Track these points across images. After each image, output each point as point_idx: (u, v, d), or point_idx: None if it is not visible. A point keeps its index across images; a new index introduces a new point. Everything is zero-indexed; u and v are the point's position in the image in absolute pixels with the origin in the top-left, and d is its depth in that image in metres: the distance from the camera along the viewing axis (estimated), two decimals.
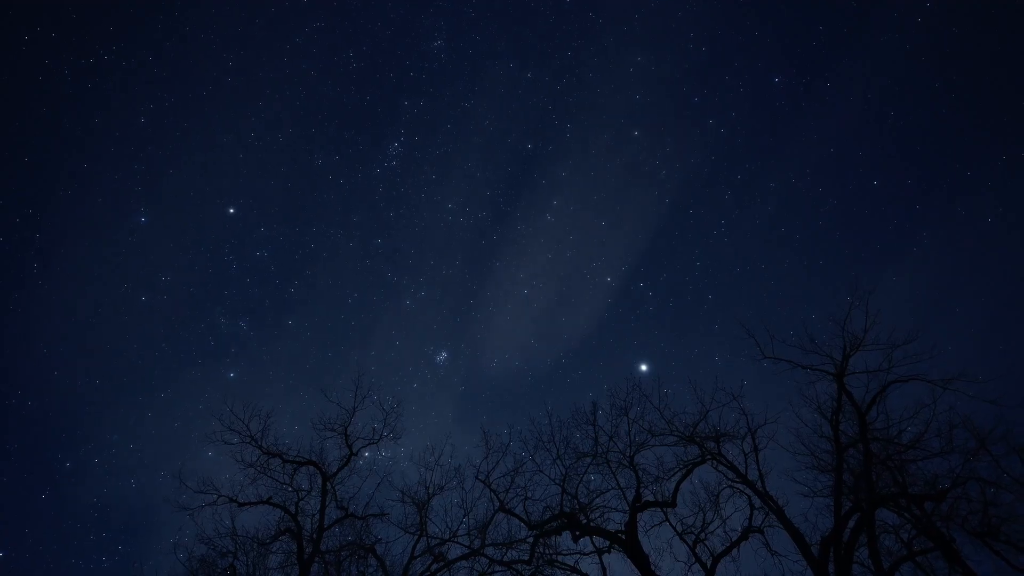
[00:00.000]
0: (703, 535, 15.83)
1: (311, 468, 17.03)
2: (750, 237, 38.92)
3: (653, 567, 15.16)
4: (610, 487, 16.44)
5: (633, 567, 15.23)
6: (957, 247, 34.71)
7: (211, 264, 37.79)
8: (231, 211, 37.22)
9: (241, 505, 16.52)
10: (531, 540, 15.86)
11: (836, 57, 36.17)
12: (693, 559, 15.61)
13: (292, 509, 16.54)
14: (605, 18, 38.04)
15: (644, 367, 36.12)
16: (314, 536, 16.11)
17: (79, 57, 32.34)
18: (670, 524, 16.11)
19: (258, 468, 16.69)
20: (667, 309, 38.96)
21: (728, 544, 15.46)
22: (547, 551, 16.03)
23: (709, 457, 15.89)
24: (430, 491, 16.82)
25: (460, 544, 16.23)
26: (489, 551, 15.96)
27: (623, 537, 15.52)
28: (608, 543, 15.84)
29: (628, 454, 16.36)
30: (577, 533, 15.82)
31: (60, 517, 32.02)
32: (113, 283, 35.90)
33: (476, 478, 16.76)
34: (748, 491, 15.58)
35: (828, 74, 36.29)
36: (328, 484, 16.79)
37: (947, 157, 35.26)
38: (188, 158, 36.45)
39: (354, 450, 17.14)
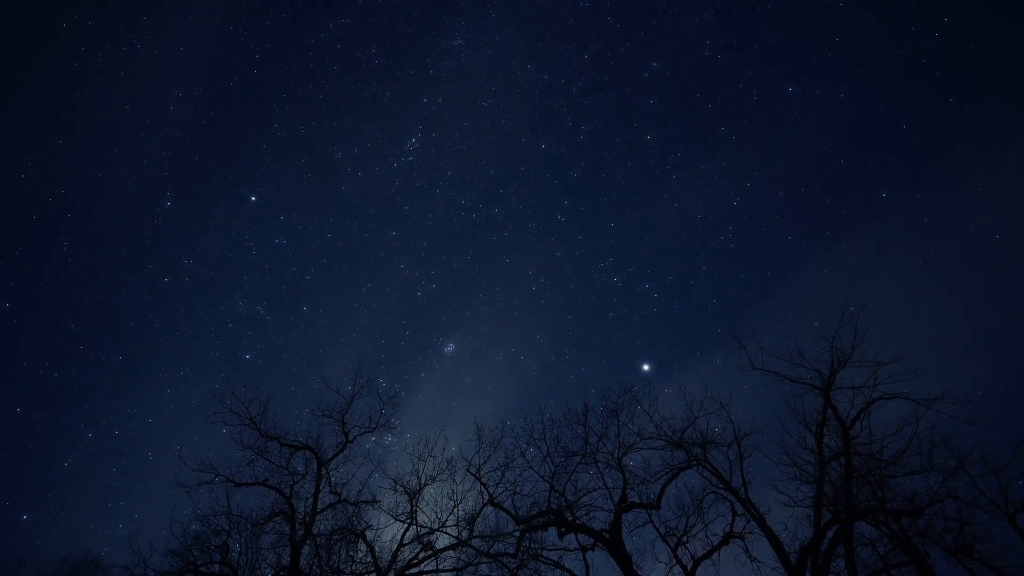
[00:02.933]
0: (685, 538, 16.23)
1: (307, 453, 17.40)
2: (756, 244, 39.47)
3: (635, 567, 15.54)
4: (597, 486, 16.85)
5: (616, 565, 15.61)
6: (965, 265, 35.08)
7: (231, 249, 39.35)
8: (252, 199, 38.58)
9: (237, 485, 16.85)
10: (517, 534, 16.23)
11: (851, 69, 36.55)
12: (674, 561, 15.99)
13: (287, 492, 16.90)
14: (623, 23, 38.62)
15: (646, 367, 36.79)
16: (307, 519, 16.47)
17: (113, 45, 33.61)
18: (654, 526, 16.53)
19: (256, 450, 17.07)
20: (671, 311, 39.58)
21: (709, 548, 15.85)
22: (533, 546, 16.39)
23: (695, 462, 16.26)
24: (422, 481, 17.21)
25: (448, 534, 16.63)
26: (476, 543, 16.36)
27: (607, 536, 15.86)
28: (592, 541, 16.20)
29: (616, 455, 16.74)
30: (563, 529, 16.19)
31: (81, 484, 33.52)
32: (138, 264, 37.78)
33: (467, 471, 17.13)
34: (731, 498, 15.97)
35: (842, 85, 36.72)
36: (323, 469, 17.16)
37: (959, 173, 35.62)
38: (213, 146, 37.94)
39: (350, 437, 17.52)
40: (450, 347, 39.69)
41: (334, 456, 17.41)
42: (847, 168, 37.39)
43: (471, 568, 16.32)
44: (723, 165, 39.45)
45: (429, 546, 16.55)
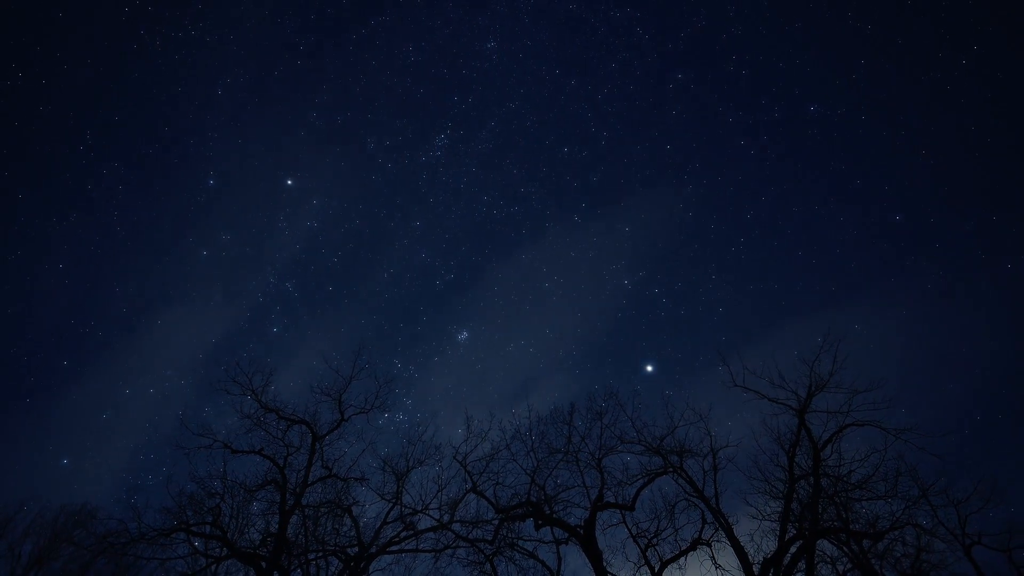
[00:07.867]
0: (655, 540, 16.82)
1: (303, 427, 18.16)
2: (767, 257, 40.28)
3: (605, 564, 16.24)
4: (576, 484, 17.52)
5: (587, 561, 16.31)
6: (971, 291, 35.47)
7: (267, 228, 41.68)
8: (288, 182, 40.84)
9: (234, 452, 17.63)
10: (496, 522, 16.95)
11: (874, 92, 36.96)
12: (643, 561, 16.62)
13: (281, 462, 17.66)
14: (652, 34, 39.50)
15: (650, 367, 37.67)
16: (297, 490, 17.23)
17: (170, 30, 35.97)
18: (626, 526, 17.14)
19: (254, 420, 17.82)
20: (678, 316, 40.45)
21: (677, 552, 16.45)
22: (510, 535, 17.10)
23: (671, 469, 16.92)
24: (410, 464, 17.94)
25: (430, 517, 17.36)
26: (456, 527, 17.08)
27: (582, 532, 16.55)
28: (567, 535, 16.90)
29: (597, 456, 17.45)
30: (540, 522, 16.90)
31: (117, 436, 36.07)
32: (179, 236, 40.43)
33: (454, 458, 17.84)
34: (702, 506, 16.62)
35: (863, 107, 37.16)
36: (317, 444, 17.92)
37: (972, 196, 35.99)
38: (255, 130, 40.70)
39: (345, 416, 18.26)
40: (464, 335, 41.24)
41: (328, 432, 18.16)
42: (862, 189, 37.94)
43: (449, 551, 17.05)
44: (739, 178, 40.29)
45: (411, 526, 17.27)
